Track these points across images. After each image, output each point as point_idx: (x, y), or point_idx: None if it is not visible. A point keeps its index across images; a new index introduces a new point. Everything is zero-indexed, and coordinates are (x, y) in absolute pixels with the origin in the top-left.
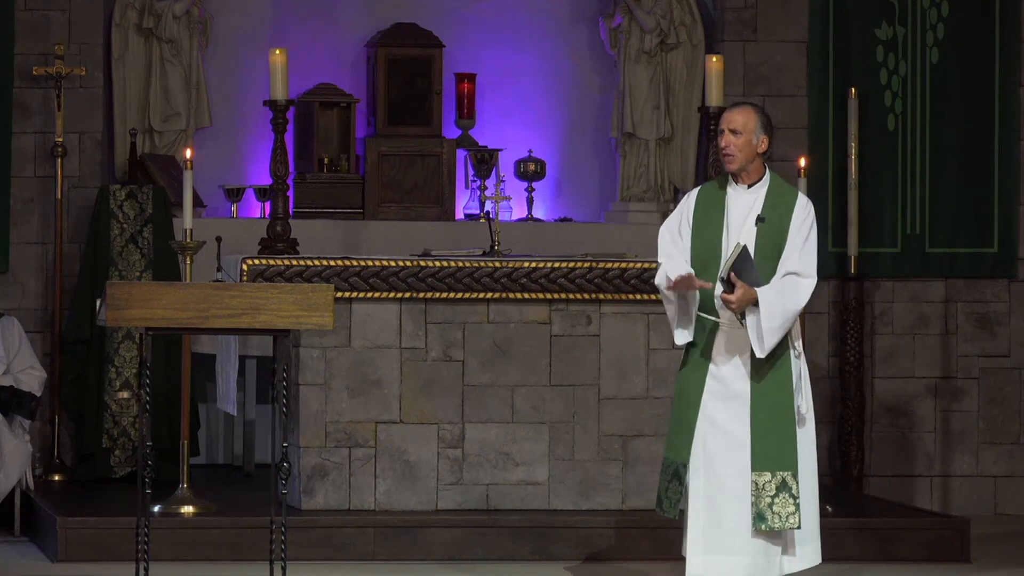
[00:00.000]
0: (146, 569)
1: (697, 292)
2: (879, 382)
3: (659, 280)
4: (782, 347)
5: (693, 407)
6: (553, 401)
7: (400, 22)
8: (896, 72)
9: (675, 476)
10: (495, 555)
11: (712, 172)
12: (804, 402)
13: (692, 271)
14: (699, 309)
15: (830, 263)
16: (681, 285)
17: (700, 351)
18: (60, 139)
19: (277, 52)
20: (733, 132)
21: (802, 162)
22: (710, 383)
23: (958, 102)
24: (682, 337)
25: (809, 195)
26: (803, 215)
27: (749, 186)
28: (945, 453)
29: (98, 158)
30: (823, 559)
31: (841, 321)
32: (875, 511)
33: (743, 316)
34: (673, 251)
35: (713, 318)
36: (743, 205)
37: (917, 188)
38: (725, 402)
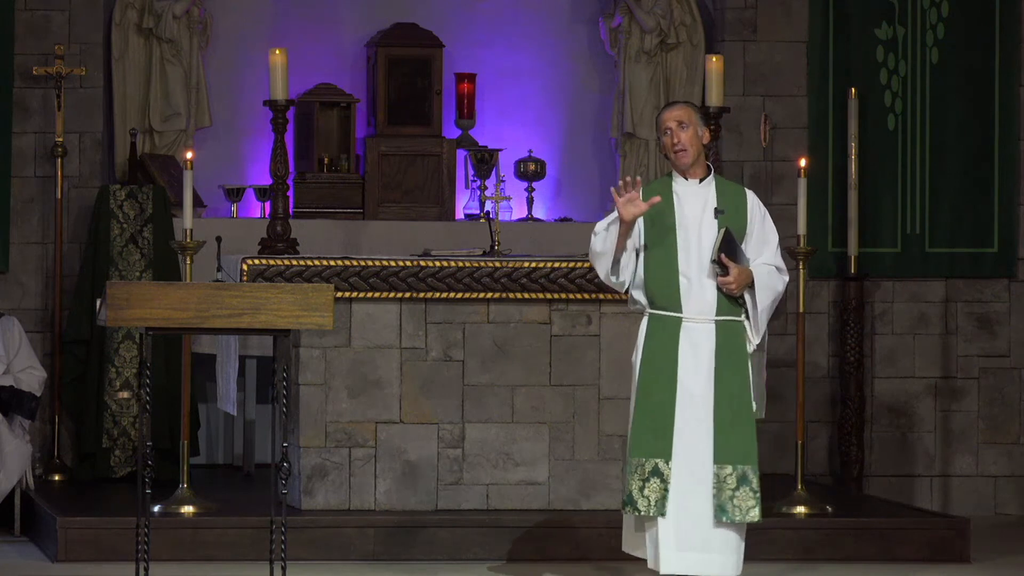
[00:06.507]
0: (146, 569)
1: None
2: (879, 382)
3: (597, 230)
4: (741, 340)
5: (668, 404)
6: (553, 401)
7: (400, 22)
8: (896, 72)
9: (654, 473)
10: (495, 555)
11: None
12: (757, 396)
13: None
14: (660, 306)
15: (830, 263)
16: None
17: (663, 348)
18: (60, 139)
19: (277, 52)
20: (680, 125)
21: (802, 162)
22: (681, 379)
23: (958, 102)
24: (605, 267)
25: (809, 195)
26: (760, 211)
27: (700, 180)
28: (945, 453)
29: (98, 158)
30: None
31: (841, 321)
32: (875, 511)
33: (741, 298)
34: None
35: (676, 314)
36: (696, 199)
37: (917, 188)
38: (693, 398)
